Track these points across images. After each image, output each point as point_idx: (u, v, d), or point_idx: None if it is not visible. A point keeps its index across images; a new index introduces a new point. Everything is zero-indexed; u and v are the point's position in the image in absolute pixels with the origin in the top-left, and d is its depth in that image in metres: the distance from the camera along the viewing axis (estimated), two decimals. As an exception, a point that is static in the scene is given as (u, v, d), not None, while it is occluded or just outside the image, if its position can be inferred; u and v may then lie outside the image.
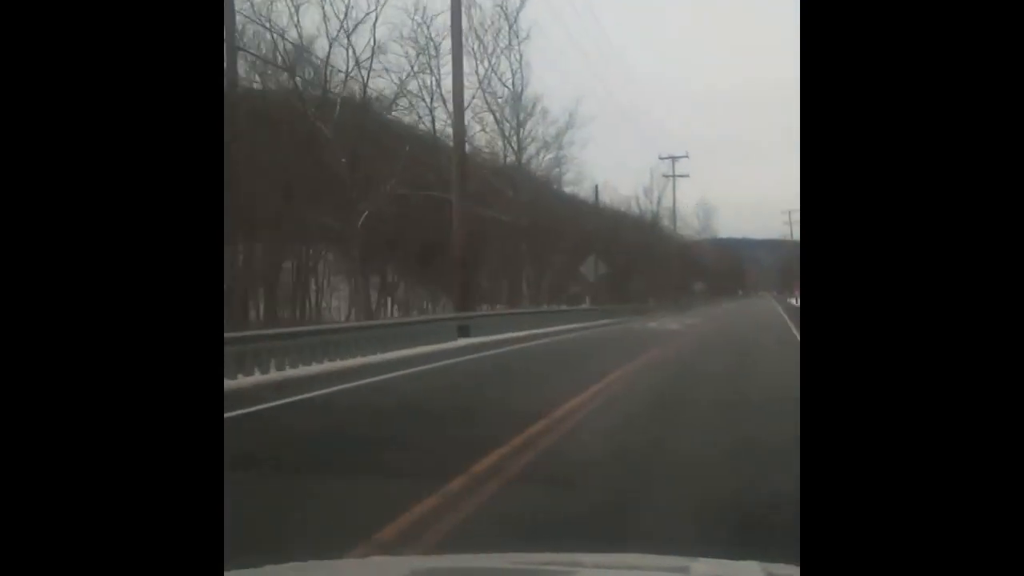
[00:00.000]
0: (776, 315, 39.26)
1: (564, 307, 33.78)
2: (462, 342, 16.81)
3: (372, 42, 25.75)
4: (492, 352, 15.51)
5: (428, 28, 27.96)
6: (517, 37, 32.67)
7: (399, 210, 27.90)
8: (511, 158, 34.90)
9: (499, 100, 33.24)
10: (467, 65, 32.00)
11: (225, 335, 6.58)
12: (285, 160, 23.14)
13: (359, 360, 12.51)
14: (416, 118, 30.95)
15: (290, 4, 24.09)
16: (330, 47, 24.94)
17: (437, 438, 6.48)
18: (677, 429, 7.07)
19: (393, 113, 28.46)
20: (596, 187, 43.26)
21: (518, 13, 32.61)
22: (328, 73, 25.02)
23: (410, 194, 28.21)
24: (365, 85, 25.71)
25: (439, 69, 30.25)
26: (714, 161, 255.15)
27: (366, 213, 25.68)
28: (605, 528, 3.88)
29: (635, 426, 7.19)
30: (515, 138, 34.56)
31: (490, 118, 33.34)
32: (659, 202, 57.96)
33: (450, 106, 30.38)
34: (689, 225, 72.66)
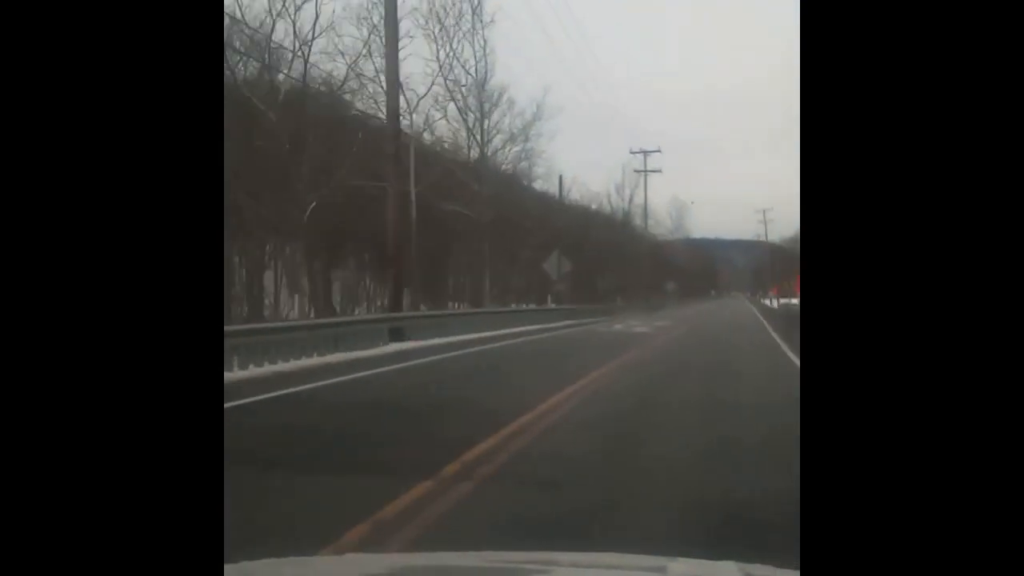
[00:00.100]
0: (753, 318, 37.85)
1: (522, 307, 31.58)
2: (391, 348, 14.52)
3: (315, 15, 23.76)
4: (414, 363, 12.65)
5: (382, 6, 26.14)
6: (481, 21, 30.79)
7: (355, 202, 26.20)
8: (475, 150, 32.97)
9: (462, 88, 31.33)
10: (427, 50, 30.24)
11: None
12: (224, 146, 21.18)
13: (247, 373, 10.32)
14: (373, 105, 29.05)
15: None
16: (273, 23, 22.96)
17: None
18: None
19: (348, 99, 26.50)
20: (560, 178, 40.85)
21: (482, -5, 30.78)
22: (270, 51, 23.03)
23: (365, 185, 26.43)
24: (306, 61, 23.71)
25: (397, 52, 28.38)
26: (687, 161, 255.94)
27: (313, 204, 23.82)
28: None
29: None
30: (479, 129, 32.61)
31: (452, 107, 31.46)
32: (631, 199, 56.39)
33: (408, 93, 29.02)
34: (661, 224, 71.35)
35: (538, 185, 41.79)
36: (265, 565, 1.55)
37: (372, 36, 24.80)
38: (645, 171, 51.34)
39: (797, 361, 13.75)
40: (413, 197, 27.87)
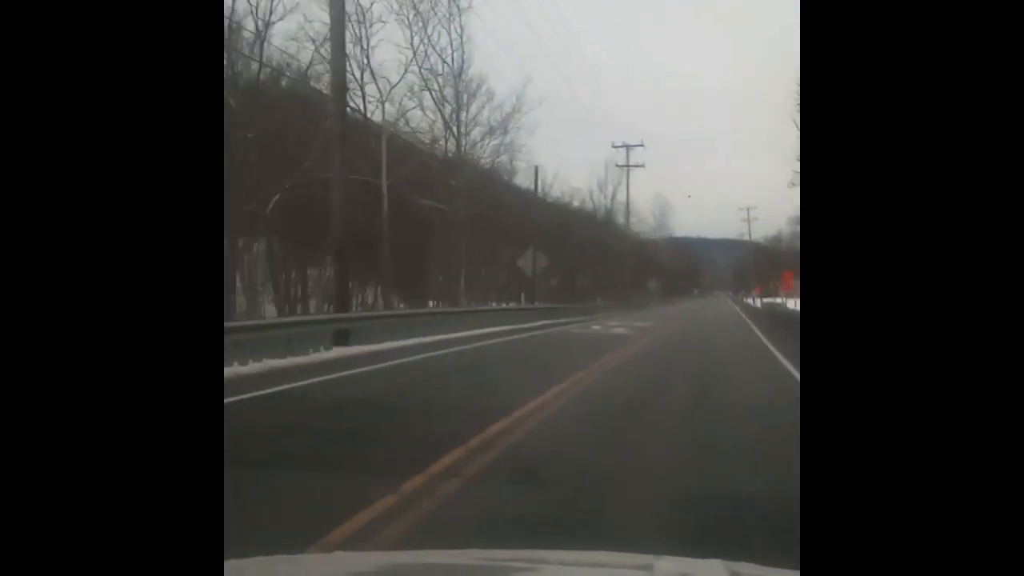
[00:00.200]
0: (737, 318, 36.93)
1: (492, 306, 29.83)
2: (328, 355, 12.48)
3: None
4: (344, 374, 10.43)
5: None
6: (458, 7, 29.53)
7: (327, 196, 24.95)
8: (452, 143, 31.71)
9: (438, 78, 30.04)
10: (401, 36, 29.01)
11: None
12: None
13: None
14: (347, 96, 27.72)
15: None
16: (233, 1, 21.62)
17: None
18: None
19: (315, 86, 25.18)
20: (536, 169, 38.53)
21: (459, -21, 29.52)
22: (230, 32, 21.68)
23: (329, 176, 25.17)
24: (263, 42, 22.32)
25: (368, 38, 27.09)
26: (670, 160, 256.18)
27: (276, 197, 22.55)
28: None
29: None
30: (456, 121, 31.32)
31: (429, 98, 30.15)
32: (614, 196, 55.20)
33: (381, 81, 27.77)
34: (644, 222, 70.12)
35: (519, 181, 40.49)
36: (254, 563, 1.53)
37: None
38: (628, 166, 50.17)
39: (786, 363, 12.75)
40: (385, 191, 26.69)
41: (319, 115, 25.08)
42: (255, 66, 22.97)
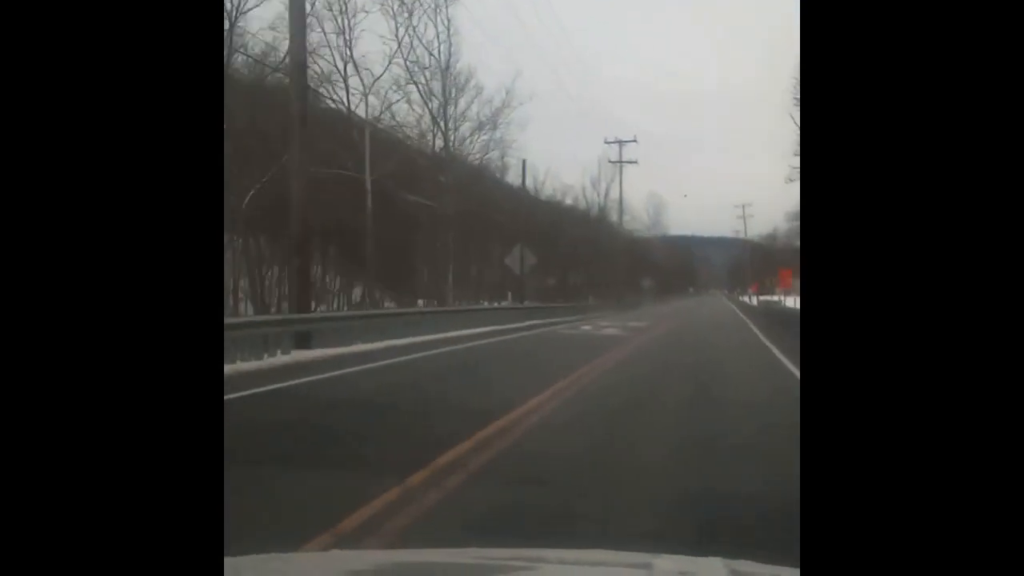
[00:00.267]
0: (734, 316, 35.98)
1: (474, 306, 28.14)
2: (284, 359, 11.26)
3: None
4: (297, 382, 9.10)
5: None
6: (445, -1, 28.51)
7: (314, 193, 24.01)
8: (440, 138, 30.71)
9: (424, 71, 29.02)
10: (386, 27, 27.99)
11: None
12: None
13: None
14: (327, 88, 26.77)
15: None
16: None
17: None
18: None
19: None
20: (524, 163, 35.05)
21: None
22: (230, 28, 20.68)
23: (315, 172, 24.20)
24: (232, 30, 21.26)
25: (350, 28, 26.09)
26: (665, 158, 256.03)
27: (252, 192, 21.58)
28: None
29: None
30: (443, 116, 30.30)
31: (417, 93, 29.13)
32: (607, 193, 54.22)
33: (364, 75, 26.78)
34: (639, 220, 69.26)
35: (511, 178, 39.39)
36: (250, 561, 1.51)
37: (316, 6, 22.55)
38: (620, 162, 49.20)
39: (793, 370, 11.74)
40: (368, 186, 25.73)
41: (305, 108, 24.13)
42: (229, 54, 21.97)
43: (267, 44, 23.51)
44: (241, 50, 22.51)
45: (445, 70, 29.62)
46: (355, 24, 25.93)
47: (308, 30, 23.68)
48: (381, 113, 27.58)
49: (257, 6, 22.00)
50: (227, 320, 11.73)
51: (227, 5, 20.70)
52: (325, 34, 25.26)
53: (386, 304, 33.92)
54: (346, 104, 26.87)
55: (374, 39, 35.39)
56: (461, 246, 33.65)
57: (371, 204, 25.79)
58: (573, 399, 8.11)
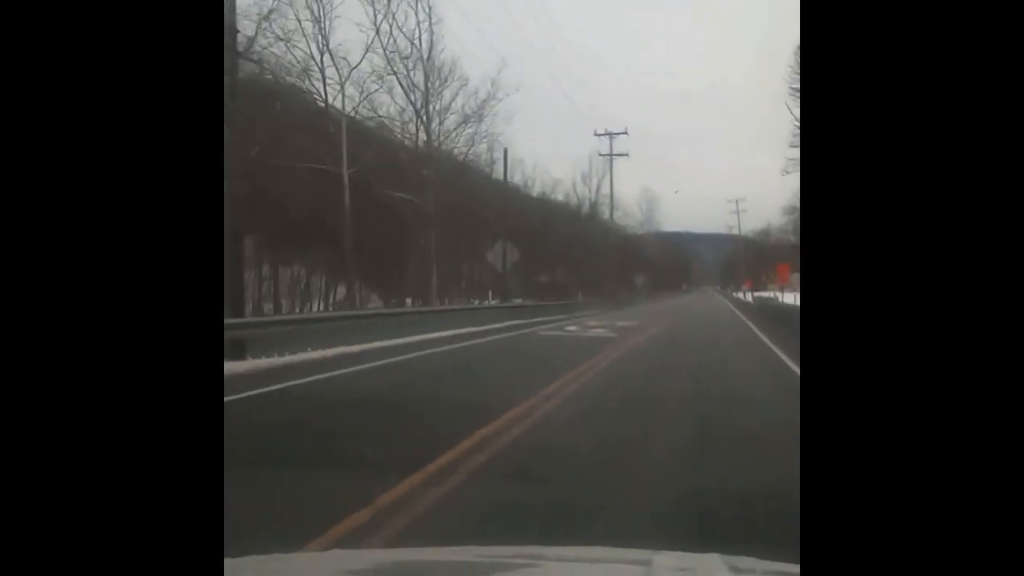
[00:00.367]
0: (731, 314, 34.74)
1: (443, 307, 25.90)
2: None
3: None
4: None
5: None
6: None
7: (286, 187, 22.78)
8: (422, 132, 29.32)
9: (405, 61, 27.64)
10: (363, 14, 26.62)
11: None
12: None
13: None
14: (303, 76, 25.43)
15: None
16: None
17: None
18: None
19: (261, 67, 22.88)
20: (505, 152, 33.39)
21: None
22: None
23: (287, 165, 22.92)
24: None
25: (324, 13, 24.70)
26: (657, 155, 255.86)
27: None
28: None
29: None
30: (425, 108, 28.92)
31: (397, 85, 27.77)
32: (598, 189, 52.94)
33: (341, 64, 25.45)
34: (631, 215, 68.12)
35: (500, 173, 37.88)
36: (250, 562, 1.49)
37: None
38: (611, 155, 47.95)
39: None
40: (346, 180, 24.45)
41: (267, 96, 22.84)
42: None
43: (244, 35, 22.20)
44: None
45: (427, 59, 28.26)
46: (331, 11, 24.61)
47: (279, 15, 22.27)
48: (359, 103, 26.25)
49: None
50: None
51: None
52: (300, 22, 23.95)
53: (370, 304, 32.82)
54: (323, 95, 25.55)
55: (351, 29, 33.82)
56: (451, 243, 32.38)
57: (349, 199, 24.57)
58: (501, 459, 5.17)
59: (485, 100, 30.32)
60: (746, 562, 1.42)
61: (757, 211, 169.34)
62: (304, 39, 24.28)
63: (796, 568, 1.11)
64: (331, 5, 24.63)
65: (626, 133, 47.42)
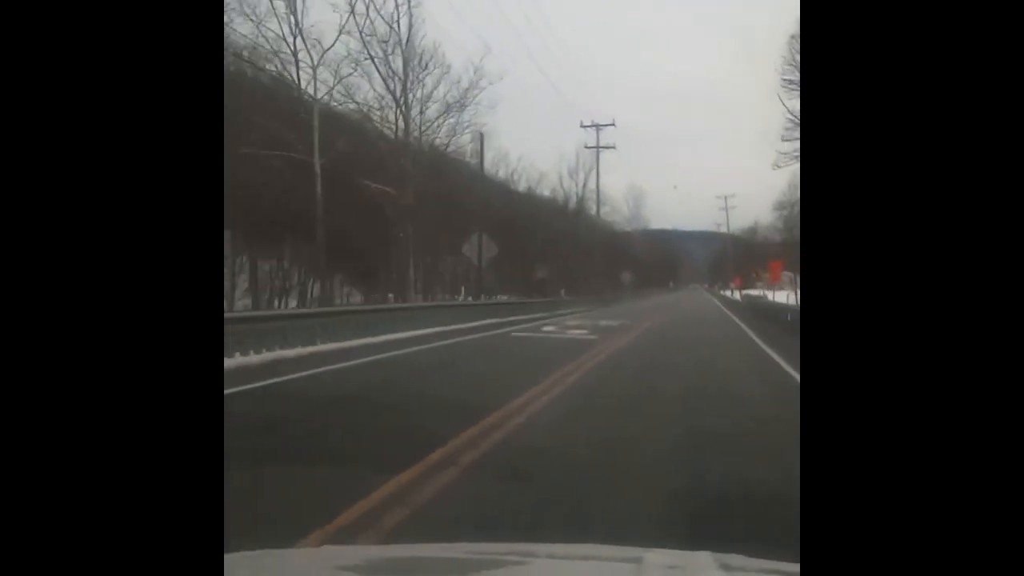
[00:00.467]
0: (720, 313, 33.66)
1: (403, 305, 23.66)
2: None
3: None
4: None
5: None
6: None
7: (259, 177, 21.53)
8: (401, 121, 28.04)
9: (383, 44, 26.33)
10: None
11: None
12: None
13: None
14: (275, 62, 24.13)
15: None
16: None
17: None
18: None
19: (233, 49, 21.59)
20: (481, 136, 31.65)
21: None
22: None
23: (256, 154, 21.66)
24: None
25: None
26: (645, 152, 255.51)
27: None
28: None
29: None
30: (404, 95, 27.64)
31: (376, 71, 26.45)
32: (584, 184, 51.79)
33: (314, 46, 24.16)
34: (618, 212, 67.08)
35: (487, 165, 36.48)
36: (242, 558, 1.51)
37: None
38: (598, 147, 46.80)
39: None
40: (318, 170, 23.18)
41: (235, 79, 21.52)
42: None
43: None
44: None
45: (406, 44, 26.96)
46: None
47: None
48: (332, 88, 24.93)
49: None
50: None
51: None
52: (272, 2, 22.62)
53: (351, 300, 31.67)
54: (295, 79, 24.24)
55: (326, 10, 32.34)
56: (432, 237, 31.16)
57: (321, 190, 23.29)
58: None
59: (468, 88, 29.09)
60: (736, 559, 1.42)
61: (746, 208, 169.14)
62: (275, 19, 22.97)
63: (789, 565, 1.16)
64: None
65: (613, 125, 46.30)
